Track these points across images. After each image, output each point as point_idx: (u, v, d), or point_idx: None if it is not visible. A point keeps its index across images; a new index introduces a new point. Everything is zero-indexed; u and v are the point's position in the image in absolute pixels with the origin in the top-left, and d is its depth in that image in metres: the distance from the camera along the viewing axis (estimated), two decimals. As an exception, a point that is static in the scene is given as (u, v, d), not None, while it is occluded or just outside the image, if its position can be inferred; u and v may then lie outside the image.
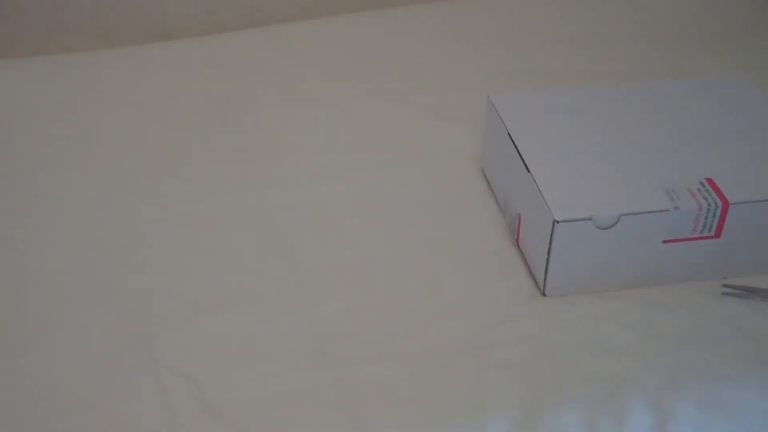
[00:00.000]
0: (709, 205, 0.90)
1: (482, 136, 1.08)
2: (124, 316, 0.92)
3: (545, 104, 1.03)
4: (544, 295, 0.94)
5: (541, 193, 0.91)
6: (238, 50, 1.30)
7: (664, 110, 1.03)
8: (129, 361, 0.88)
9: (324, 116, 1.18)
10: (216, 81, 1.24)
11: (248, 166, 1.10)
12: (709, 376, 0.86)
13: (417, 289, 0.95)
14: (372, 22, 1.36)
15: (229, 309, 0.92)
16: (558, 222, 0.88)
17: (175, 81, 1.24)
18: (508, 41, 1.32)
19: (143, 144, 1.13)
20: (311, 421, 0.83)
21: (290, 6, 1.40)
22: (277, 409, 0.83)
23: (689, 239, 0.92)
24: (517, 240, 0.99)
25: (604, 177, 0.93)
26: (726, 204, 0.90)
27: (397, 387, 0.85)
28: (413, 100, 1.21)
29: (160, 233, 1.01)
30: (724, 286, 0.94)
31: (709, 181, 0.92)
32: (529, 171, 0.94)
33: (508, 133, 0.99)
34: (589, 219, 0.89)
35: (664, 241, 0.91)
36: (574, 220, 0.89)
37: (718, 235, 0.92)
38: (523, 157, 0.95)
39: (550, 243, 0.90)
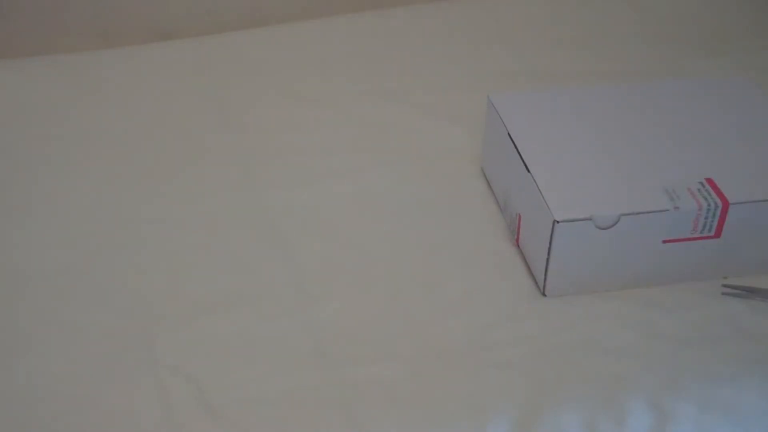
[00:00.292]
0: (709, 205, 0.90)
1: (482, 136, 1.08)
2: (124, 316, 0.92)
3: (545, 104, 1.03)
4: (544, 295, 0.94)
5: (541, 193, 0.91)
6: (238, 50, 1.30)
7: (664, 110, 1.03)
8: (129, 361, 0.88)
9: (324, 116, 1.18)
10: (216, 81, 1.24)
11: (248, 166, 1.10)
12: (709, 376, 0.86)
13: (417, 289, 0.95)
14: (372, 22, 1.36)
15: (228, 309, 0.92)
16: (558, 222, 0.88)
17: (175, 81, 1.24)
18: (508, 41, 1.32)
19: (143, 144, 1.13)
20: (311, 421, 0.83)
21: (290, 6, 1.40)
22: (277, 409, 0.83)
23: (689, 239, 0.92)
24: (517, 240, 0.99)
25: (604, 177, 0.93)
26: (726, 204, 0.90)
27: (397, 387, 0.85)
28: (413, 100, 1.21)
29: (159, 233, 1.01)
30: (724, 286, 0.94)
31: (709, 181, 0.92)
32: (529, 171, 0.94)
33: (508, 133, 0.99)
34: (589, 219, 0.89)
35: (664, 241, 0.91)
36: (574, 220, 0.89)
37: (718, 235, 0.92)
38: (523, 157, 0.95)
39: (550, 243, 0.90)
